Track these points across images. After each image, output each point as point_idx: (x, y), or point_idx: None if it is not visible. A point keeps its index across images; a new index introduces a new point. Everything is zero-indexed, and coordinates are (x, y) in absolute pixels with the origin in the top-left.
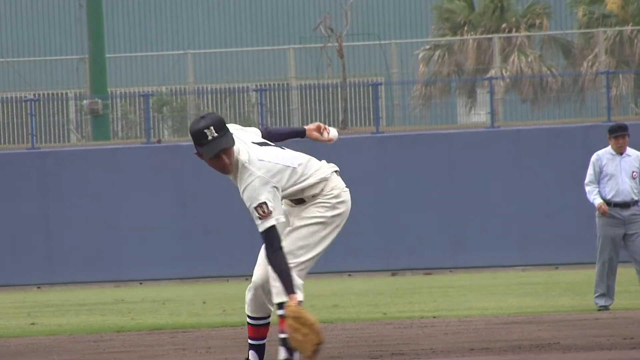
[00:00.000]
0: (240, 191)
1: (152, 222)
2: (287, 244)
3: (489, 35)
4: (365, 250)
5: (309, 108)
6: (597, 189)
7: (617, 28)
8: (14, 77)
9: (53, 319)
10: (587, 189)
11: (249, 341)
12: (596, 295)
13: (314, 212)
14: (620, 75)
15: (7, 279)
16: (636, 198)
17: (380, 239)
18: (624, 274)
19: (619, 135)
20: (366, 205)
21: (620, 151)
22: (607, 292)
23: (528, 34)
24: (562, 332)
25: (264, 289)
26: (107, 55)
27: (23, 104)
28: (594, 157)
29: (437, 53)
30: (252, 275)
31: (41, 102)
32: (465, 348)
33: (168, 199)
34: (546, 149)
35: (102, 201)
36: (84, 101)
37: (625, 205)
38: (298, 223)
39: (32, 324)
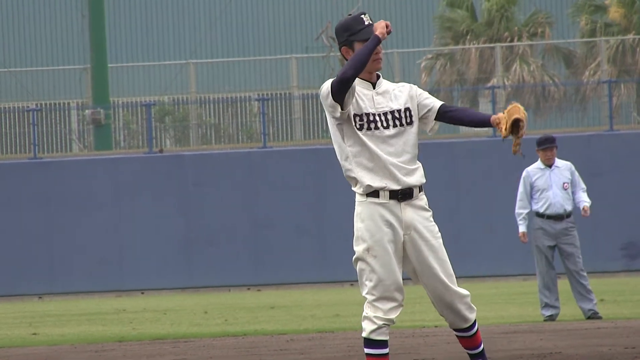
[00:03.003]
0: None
1: (153, 232)
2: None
3: (491, 45)
4: None
5: (311, 117)
6: (526, 212)
7: (619, 37)
8: (17, 87)
9: (54, 329)
10: (517, 209)
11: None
12: (541, 306)
13: (434, 225)
14: (622, 85)
15: (9, 288)
16: (569, 209)
17: None
18: (626, 283)
19: (547, 148)
20: None
21: (549, 163)
22: (551, 302)
23: (530, 43)
24: (563, 342)
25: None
26: (110, 65)
27: (25, 113)
28: (524, 174)
29: (439, 62)
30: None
31: (43, 112)
32: (466, 358)
33: (170, 208)
34: None
35: (104, 211)
36: (86, 111)
37: (558, 217)
38: (437, 242)
39: (34, 334)
